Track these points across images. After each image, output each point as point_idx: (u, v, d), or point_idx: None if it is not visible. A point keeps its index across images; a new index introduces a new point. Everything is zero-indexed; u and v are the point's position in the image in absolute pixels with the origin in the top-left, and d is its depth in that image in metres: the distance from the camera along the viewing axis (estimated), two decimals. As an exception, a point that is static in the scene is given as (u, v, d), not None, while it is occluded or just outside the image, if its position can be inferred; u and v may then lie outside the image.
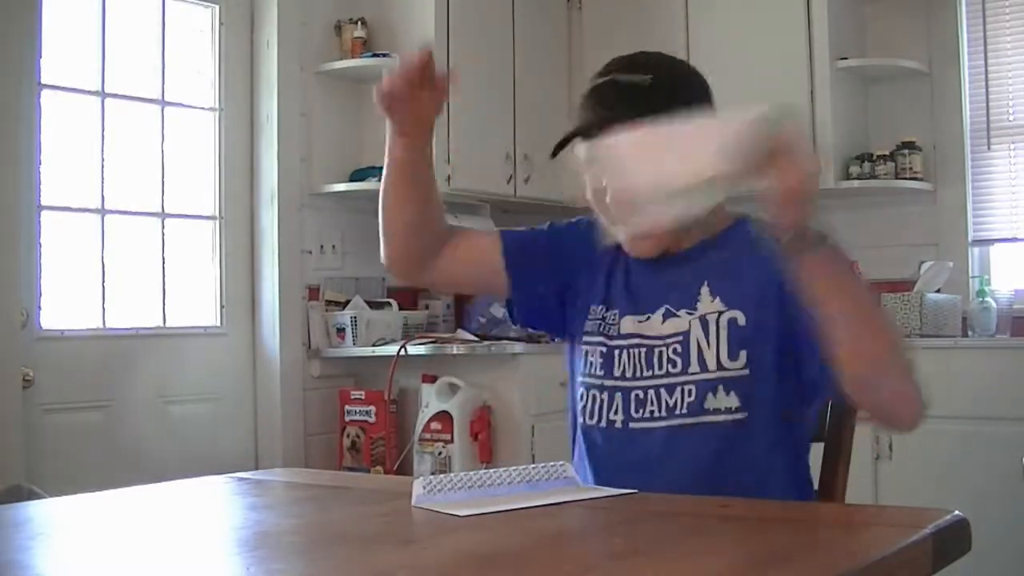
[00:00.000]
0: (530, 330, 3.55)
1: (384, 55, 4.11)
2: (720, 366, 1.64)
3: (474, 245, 1.86)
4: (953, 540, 1.24)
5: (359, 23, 4.19)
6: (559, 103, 4.66)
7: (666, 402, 1.66)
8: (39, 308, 3.45)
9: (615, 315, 1.75)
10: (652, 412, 1.67)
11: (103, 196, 3.65)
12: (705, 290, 1.69)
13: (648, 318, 1.72)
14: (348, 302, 4.15)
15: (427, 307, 4.45)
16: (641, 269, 1.76)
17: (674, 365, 1.66)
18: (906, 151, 4.18)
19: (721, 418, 1.63)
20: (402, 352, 3.86)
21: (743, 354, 1.63)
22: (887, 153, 4.18)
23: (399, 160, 1.79)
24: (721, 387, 1.63)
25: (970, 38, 4.22)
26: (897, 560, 1.12)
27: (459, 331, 4.26)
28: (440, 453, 3.82)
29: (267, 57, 4.06)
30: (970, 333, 3.92)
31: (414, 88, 1.70)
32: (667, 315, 1.70)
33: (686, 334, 1.67)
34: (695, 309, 1.68)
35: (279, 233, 4.00)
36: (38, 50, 3.45)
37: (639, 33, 4.47)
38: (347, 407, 4.03)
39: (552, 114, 4.62)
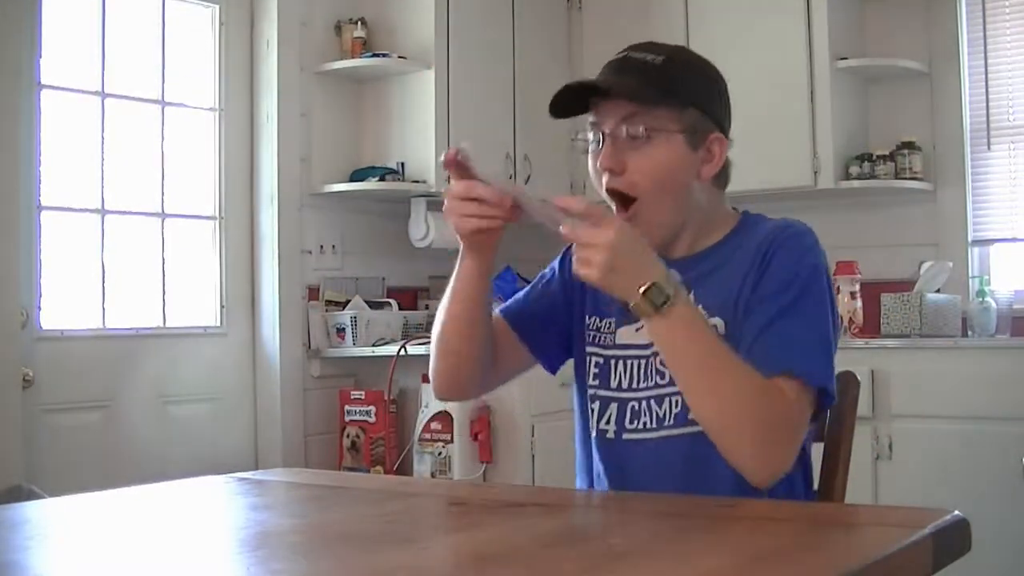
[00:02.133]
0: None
1: (384, 55, 4.11)
2: None
3: (502, 344, 1.79)
4: (953, 540, 1.25)
5: (359, 23, 4.19)
6: (559, 103, 4.65)
7: (656, 413, 1.67)
8: (39, 308, 3.44)
9: (610, 324, 1.74)
10: (645, 424, 1.67)
11: (103, 196, 3.65)
12: (691, 298, 1.65)
13: (640, 327, 1.66)
14: (348, 302, 4.15)
15: (427, 307, 4.45)
16: None
17: (662, 376, 1.66)
18: (906, 151, 4.18)
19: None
20: (402, 352, 3.86)
21: None
22: (887, 153, 4.18)
23: (465, 282, 1.69)
24: None
25: (970, 38, 4.22)
26: (897, 560, 1.12)
27: (459, 331, 4.25)
28: (440, 453, 3.82)
29: (267, 57, 4.06)
30: (970, 333, 3.92)
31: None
32: None
33: None
34: None
35: (279, 233, 4.00)
36: (38, 50, 3.45)
37: (639, 33, 4.46)
38: (347, 407, 4.03)
39: (552, 114, 4.62)
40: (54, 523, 1.48)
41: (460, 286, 1.69)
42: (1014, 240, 4.18)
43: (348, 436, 4.01)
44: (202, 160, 4.00)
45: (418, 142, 4.12)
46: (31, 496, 2.76)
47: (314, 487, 1.75)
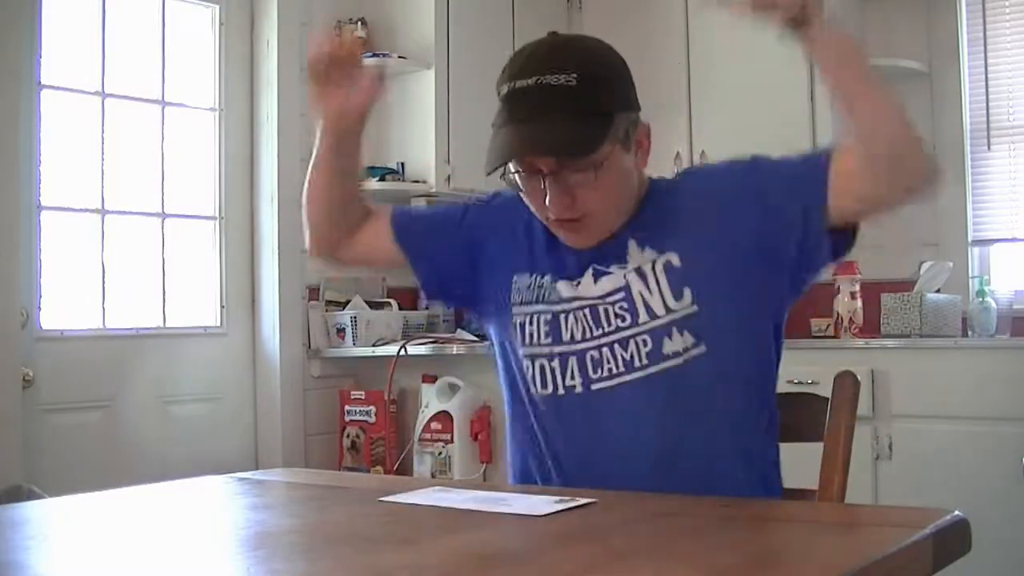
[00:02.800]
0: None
1: (384, 55, 4.11)
2: (668, 309, 1.63)
3: (372, 224, 1.89)
4: (953, 540, 1.25)
5: (359, 23, 4.18)
6: (559, 103, 4.66)
7: (622, 357, 1.65)
8: (39, 308, 3.44)
9: (548, 279, 1.73)
10: (610, 370, 1.65)
11: (103, 196, 3.65)
12: (632, 244, 1.68)
13: (578, 282, 1.70)
14: (348, 302, 4.15)
15: (427, 307, 4.45)
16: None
17: (623, 320, 1.65)
18: (906, 151, 4.18)
19: (680, 360, 1.63)
20: (402, 352, 3.86)
21: (687, 292, 1.63)
22: (887, 153, 4.17)
23: (325, 149, 1.83)
24: (675, 329, 1.63)
25: (970, 38, 4.21)
26: (897, 560, 1.12)
27: (459, 331, 4.26)
28: (440, 453, 3.82)
29: (267, 57, 4.06)
30: (970, 333, 3.91)
31: (331, 77, 1.76)
32: (597, 274, 1.69)
33: (626, 288, 1.66)
34: (626, 263, 1.67)
35: (279, 233, 4.00)
36: (38, 50, 3.45)
37: (639, 33, 4.47)
38: (347, 407, 4.03)
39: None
40: (54, 523, 1.48)
41: (333, 159, 1.83)
42: (1014, 240, 4.18)
43: (348, 436, 4.01)
44: (202, 160, 4.00)
45: (418, 142, 4.13)
46: (31, 496, 2.76)
47: (314, 487, 1.75)
